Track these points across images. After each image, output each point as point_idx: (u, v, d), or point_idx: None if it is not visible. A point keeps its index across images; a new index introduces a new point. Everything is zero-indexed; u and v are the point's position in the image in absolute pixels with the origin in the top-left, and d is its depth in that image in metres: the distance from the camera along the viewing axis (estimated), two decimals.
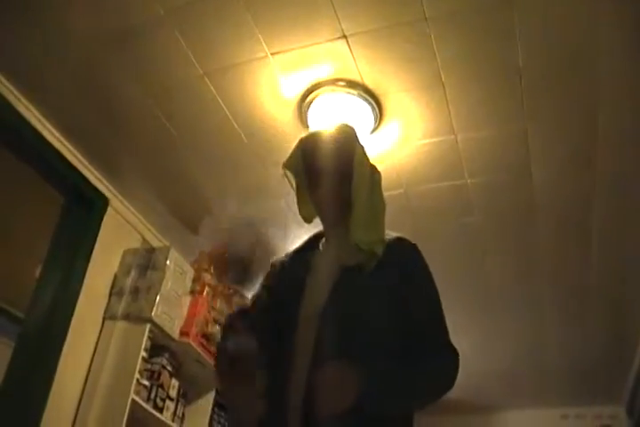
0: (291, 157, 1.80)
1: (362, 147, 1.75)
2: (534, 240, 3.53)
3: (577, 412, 5.85)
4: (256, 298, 1.74)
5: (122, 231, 3.70)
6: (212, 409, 4.10)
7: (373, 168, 1.75)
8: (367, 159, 1.74)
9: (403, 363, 1.49)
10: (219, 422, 4.33)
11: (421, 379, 1.51)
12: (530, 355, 4.98)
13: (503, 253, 3.71)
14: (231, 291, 4.03)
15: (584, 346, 4.69)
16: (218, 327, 3.89)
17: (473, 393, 5.39)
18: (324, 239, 1.79)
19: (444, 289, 3.74)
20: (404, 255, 1.65)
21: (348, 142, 1.73)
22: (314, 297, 1.56)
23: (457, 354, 1.60)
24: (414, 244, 1.69)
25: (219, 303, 3.89)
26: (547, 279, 3.90)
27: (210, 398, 4.07)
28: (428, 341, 1.57)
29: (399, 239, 1.68)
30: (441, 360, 1.59)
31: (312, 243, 1.81)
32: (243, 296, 4.09)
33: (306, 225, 3.07)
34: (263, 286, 1.76)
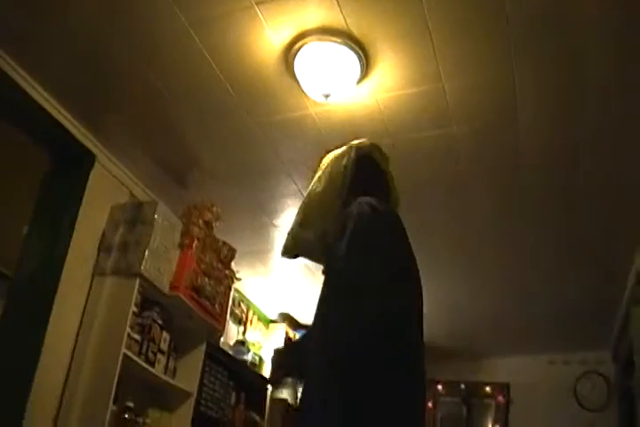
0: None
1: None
2: (521, 186, 3.57)
3: (564, 358, 6.12)
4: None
5: (109, 187, 3.70)
6: (204, 362, 4.16)
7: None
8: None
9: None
10: (210, 375, 4.46)
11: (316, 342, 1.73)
12: (518, 302, 5.10)
13: (491, 200, 3.76)
14: (220, 243, 4.09)
15: (572, 292, 4.78)
16: (207, 280, 3.95)
17: (462, 340, 5.64)
18: None
19: (432, 239, 3.87)
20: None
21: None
22: None
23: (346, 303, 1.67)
24: (353, 212, 1.84)
25: (208, 256, 3.91)
26: (534, 225, 3.94)
27: (201, 350, 4.12)
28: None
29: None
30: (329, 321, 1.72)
31: None
32: (231, 249, 4.17)
33: (295, 173, 2.99)
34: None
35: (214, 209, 3.89)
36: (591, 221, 3.80)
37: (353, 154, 2.14)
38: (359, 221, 1.80)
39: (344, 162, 2.11)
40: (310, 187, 2.10)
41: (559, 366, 6.15)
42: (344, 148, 2.19)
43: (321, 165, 2.18)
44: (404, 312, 1.68)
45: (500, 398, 6.30)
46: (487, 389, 6.37)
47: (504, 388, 6.32)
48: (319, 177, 2.11)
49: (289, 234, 2.06)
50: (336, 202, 2.01)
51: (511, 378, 6.33)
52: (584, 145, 3.19)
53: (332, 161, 2.14)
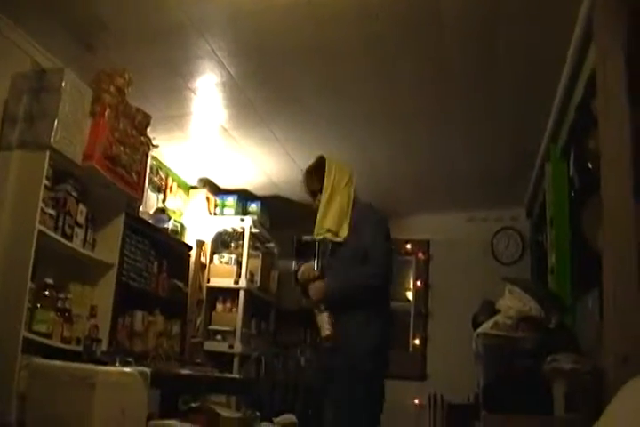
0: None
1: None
2: (443, 46, 3.55)
3: (482, 215, 6.41)
4: None
5: (8, 54, 3.46)
6: (124, 232, 4.16)
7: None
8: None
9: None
10: (131, 245, 4.49)
11: (354, 283, 2.91)
12: (438, 161, 5.22)
13: (410, 60, 3.72)
14: (134, 110, 4.02)
15: (492, 152, 4.93)
16: (122, 148, 3.90)
17: (384, 200, 5.56)
18: None
19: (355, 102, 3.93)
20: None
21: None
22: None
23: (381, 269, 2.95)
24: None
25: (121, 124, 3.80)
26: (456, 82, 3.95)
27: (120, 221, 4.08)
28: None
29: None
30: (370, 270, 2.91)
31: None
32: (146, 115, 4.10)
33: (207, 33, 3.36)
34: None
35: (126, 74, 3.73)
36: (511, 76, 3.80)
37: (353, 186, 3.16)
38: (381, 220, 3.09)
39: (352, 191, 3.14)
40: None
41: (477, 222, 6.41)
42: (347, 171, 3.17)
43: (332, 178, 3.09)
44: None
45: (421, 255, 6.58)
46: (408, 246, 6.60)
47: (424, 245, 6.58)
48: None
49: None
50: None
51: (431, 235, 6.59)
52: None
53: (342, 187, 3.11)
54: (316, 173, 3.14)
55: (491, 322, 4.02)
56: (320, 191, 3.09)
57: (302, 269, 3.07)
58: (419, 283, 6.56)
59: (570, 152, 3.82)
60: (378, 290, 2.92)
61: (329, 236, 3.01)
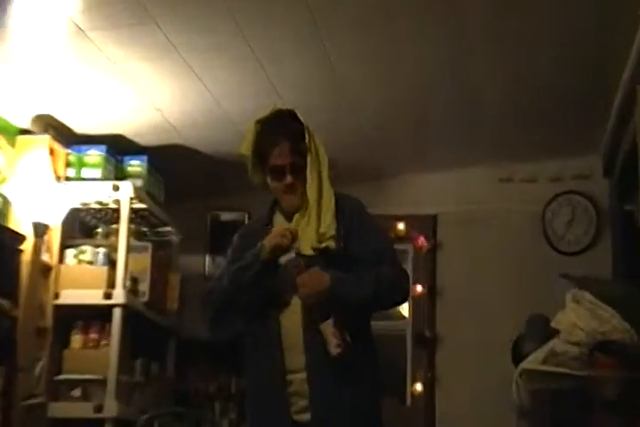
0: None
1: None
2: None
3: (526, 171, 6.52)
4: (224, 269, 3.36)
5: None
6: None
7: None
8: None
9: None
10: None
11: (377, 277, 3.11)
12: (456, 82, 5.32)
13: None
14: None
15: (546, 64, 5.04)
16: None
17: (364, 150, 6.04)
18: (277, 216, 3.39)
19: (333, 13, 4.44)
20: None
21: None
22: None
23: (406, 271, 3.32)
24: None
25: None
26: None
27: None
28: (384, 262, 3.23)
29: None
30: (393, 270, 3.21)
31: (264, 220, 3.38)
32: None
33: None
34: (229, 257, 3.41)
35: None
36: None
37: None
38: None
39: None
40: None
41: (518, 184, 6.45)
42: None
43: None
44: None
45: (422, 241, 6.55)
46: (400, 226, 6.58)
47: (428, 224, 6.60)
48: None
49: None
50: None
51: (439, 208, 6.61)
52: None
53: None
54: (276, 129, 3.31)
55: (544, 351, 4.25)
56: (290, 167, 3.27)
57: (277, 232, 3.23)
58: (419, 288, 6.53)
59: None
60: (405, 299, 3.41)
61: (331, 244, 3.23)
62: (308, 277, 3.08)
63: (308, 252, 3.17)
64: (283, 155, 3.24)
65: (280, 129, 3.30)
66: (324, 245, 3.19)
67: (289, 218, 3.28)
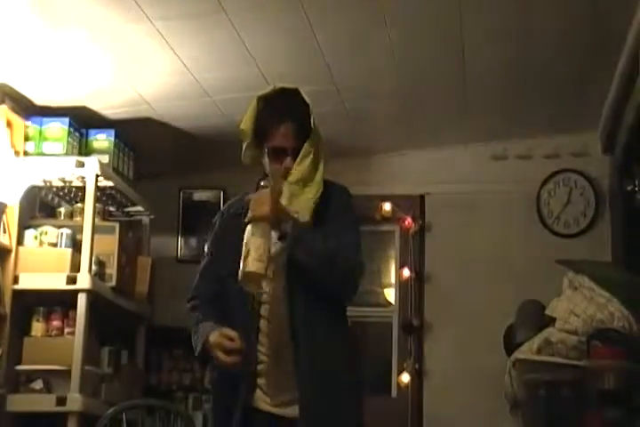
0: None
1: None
2: None
3: (520, 147, 6.45)
4: (203, 269, 3.36)
5: None
6: None
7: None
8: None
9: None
10: None
11: (337, 247, 3.09)
12: (446, 47, 5.17)
13: None
14: None
15: (541, 25, 4.90)
16: None
17: (346, 124, 5.97)
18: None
19: None
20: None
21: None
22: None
23: (363, 266, 3.23)
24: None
25: None
26: None
27: None
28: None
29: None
30: (353, 255, 3.17)
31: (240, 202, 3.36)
32: None
33: None
34: (209, 254, 3.42)
35: None
36: None
37: None
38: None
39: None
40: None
41: (512, 162, 6.40)
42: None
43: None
44: None
45: (409, 222, 6.47)
46: (386, 207, 6.52)
47: (415, 204, 6.53)
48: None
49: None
50: None
51: (428, 187, 6.55)
52: None
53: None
54: (281, 107, 3.29)
55: (538, 340, 4.28)
56: (292, 152, 3.24)
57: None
58: (406, 272, 6.48)
59: None
60: (359, 277, 3.21)
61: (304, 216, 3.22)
62: (255, 200, 3.08)
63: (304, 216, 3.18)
64: (287, 136, 3.20)
65: (285, 108, 3.27)
66: (296, 215, 3.16)
67: None
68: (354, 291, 3.22)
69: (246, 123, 3.30)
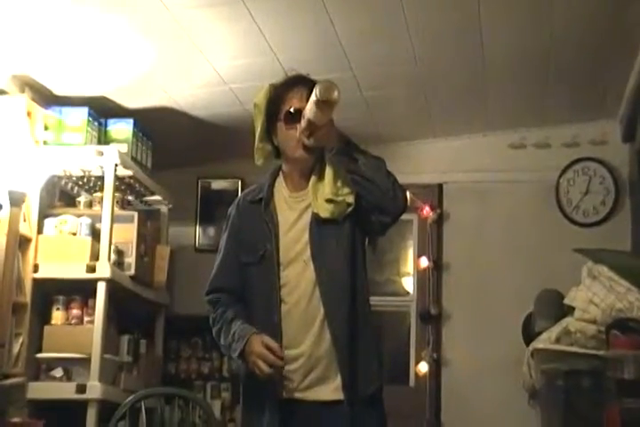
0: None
1: None
2: None
3: (539, 136, 6.45)
4: (222, 260, 3.38)
5: None
6: None
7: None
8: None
9: None
10: None
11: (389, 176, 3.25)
12: (460, 36, 5.18)
13: None
14: None
15: (559, 14, 4.86)
16: None
17: (361, 113, 5.94)
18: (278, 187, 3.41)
19: None
20: None
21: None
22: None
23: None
24: None
25: None
26: None
27: None
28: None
29: None
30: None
31: (264, 192, 3.37)
32: None
33: None
34: (227, 244, 3.42)
35: None
36: None
37: None
38: None
39: None
40: None
41: (530, 150, 6.40)
42: None
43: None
44: None
45: (427, 211, 6.49)
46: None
47: (433, 193, 6.57)
48: None
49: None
50: None
51: (445, 176, 6.58)
52: None
53: None
54: (293, 81, 3.40)
55: (557, 330, 4.37)
56: (302, 110, 3.27)
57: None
58: (424, 261, 6.51)
59: None
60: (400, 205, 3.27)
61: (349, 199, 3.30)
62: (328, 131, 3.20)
63: (323, 212, 3.24)
64: (302, 99, 3.25)
65: (298, 80, 3.34)
66: (340, 198, 3.24)
67: (292, 188, 3.35)
68: (404, 203, 3.22)
69: (259, 98, 3.38)
